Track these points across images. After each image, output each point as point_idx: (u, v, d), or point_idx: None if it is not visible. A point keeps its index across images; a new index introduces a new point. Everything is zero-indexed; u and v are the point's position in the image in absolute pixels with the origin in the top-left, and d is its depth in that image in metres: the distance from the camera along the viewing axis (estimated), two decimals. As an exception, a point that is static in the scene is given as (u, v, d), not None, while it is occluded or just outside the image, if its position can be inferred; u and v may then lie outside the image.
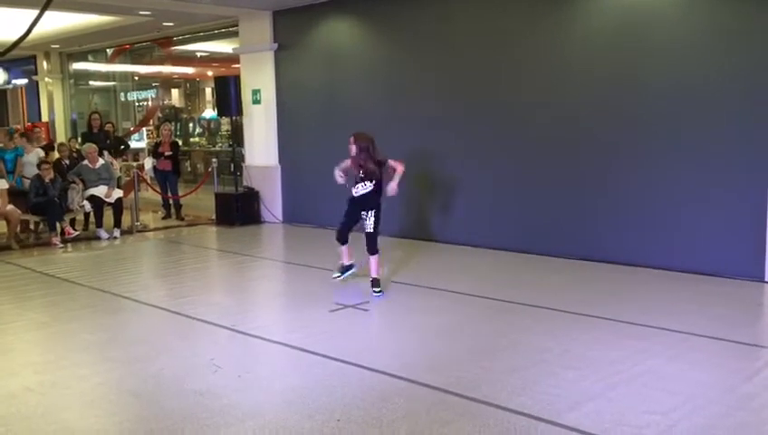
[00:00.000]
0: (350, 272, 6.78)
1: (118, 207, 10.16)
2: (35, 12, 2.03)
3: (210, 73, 15.11)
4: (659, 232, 7.29)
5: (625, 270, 7.33)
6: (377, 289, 6.51)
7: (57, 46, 15.79)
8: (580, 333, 5.33)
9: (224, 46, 13.22)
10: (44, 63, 16.71)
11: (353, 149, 6.45)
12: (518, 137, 8.33)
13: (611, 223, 7.63)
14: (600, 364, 4.62)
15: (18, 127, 15.52)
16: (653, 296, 6.39)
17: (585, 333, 5.30)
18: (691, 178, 7.05)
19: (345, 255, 6.74)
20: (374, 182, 6.46)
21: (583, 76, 7.71)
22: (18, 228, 9.70)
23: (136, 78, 16.36)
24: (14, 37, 2.37)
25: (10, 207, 9.39)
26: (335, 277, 6.80)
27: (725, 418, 3.81)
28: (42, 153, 10.53)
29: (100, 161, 10.35)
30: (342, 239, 6.65)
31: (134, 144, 15.27)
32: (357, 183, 6.49)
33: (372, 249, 6.53)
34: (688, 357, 4.77)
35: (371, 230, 6.51)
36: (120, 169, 12.03)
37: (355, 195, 6.53)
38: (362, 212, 6.52)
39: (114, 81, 16.64)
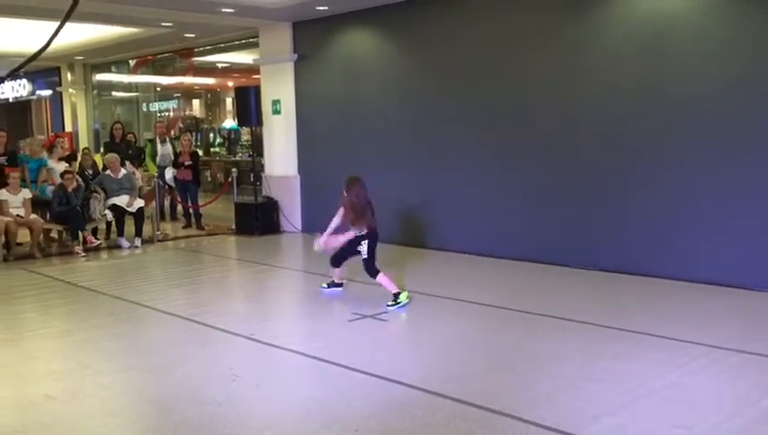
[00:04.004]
0: (337, 289, 7.06)
1: (139, 216, 10.26)
2: (57, 23, 2.06)
3: (231, 84, 15.22)
4: (682, 243, 7.20)
5: (647, 281, 7.24)
6: (393, 303, 6.43)
7: (81, 58, 16.02)
8: (602, 344, 5.27)
9: (244, 57, 13.33)
10: (68, 75, 16.95)
11: (349, 195, 6.54)
12: (538, 146, 8.28)
13: (633, 233, 7.54)
14: (622, 377, 4.56)
15: (42, 138, 15.74)
16: (676, 308, 6.31)
17: (607, 345, 5.24)
18: (716, 188, 6.95)
19: (337, 274, 7.04)
20: (365, 227, 6.55)
21: (606, 85, 7.65)
22: (41, 237, 9.82)
23: (158, 89, 16.54)
24: (36, 49, 2.40)
25: (33, 216, 9.52)
26: (322, 286, 7.15)
27: (749, 431, 3.75)
28: (62, 167, 10.64)
29: (123, 171, 10.47)
30: (336, 265, 6.92)
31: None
32: (353, 225, 6.58)
33: (371, 273, 6.60)
34: (711, 370, 4.70)
35: (365, 256, 6.57)
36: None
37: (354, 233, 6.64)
38: (356, 245, 6.62)
39: (137, 91, 16.84)
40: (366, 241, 6.57)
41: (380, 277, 6.58)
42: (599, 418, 3.93)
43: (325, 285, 7.13)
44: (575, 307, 6.30)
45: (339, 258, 6.87)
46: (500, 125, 8.64)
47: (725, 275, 6.89)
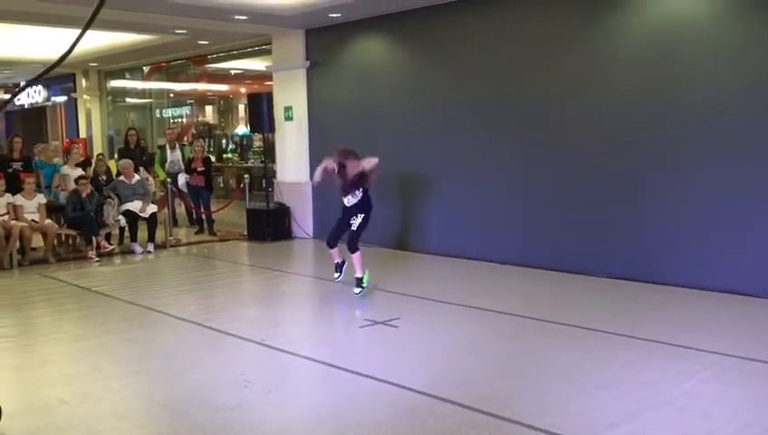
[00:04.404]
0: (343, 268, 7.33)
1: (152, 221, 10.31)
2: (76, 31, 2.07)
3: (243, 90, 15.31)
4: (697, 250, 7.14)
5: (660, 289, 7.18)
6: (358, 289, 6.96)
7: (95, 64, 16.16)
8: (614, 352, 5.23)
9: (257, 64, 13.40)
10: (83, 81, 17.11)
11: (335, 165, 6.91)
12: (551, 152, 8.25)
13: (647, 239, 7.49)
14: (635, 385, 4.53)
15: (57, 143, 15.89)
16: (690, 316, 6.25)
17: (619, 353, 5.20)
18: (731, 194, 6.89)
19: (335, 255, 7.27)
20: (361, 190, 6.93)
21: (620, 90, 7.62)
22: (55, 242, 9.90)
23: (171, 95, 16.66)
24: (55, 56, 2.42)
25: (47, 221, 9.59)
26: (336, 278, 7.36)
27: (765, 442, 3.72)
28: (77, 173, 10.73)
29: (136, 177, 10.54)
30: (331, 244, 7.17)
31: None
32: (346, 195, 6.98)
33: (352, 247, 6.93)
34: (726, 379, 4.65)
35: (355, 229, 6.96)
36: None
37: (347, 205, 7.03)
38: (352, 217, 6.99)
39: (150, 98, 16.97)
40: (362, 215, 6.92)
41: (356, 256, 6.92)
42: (611, 426, 3.90)
43: (336, 275, 7.33)
44: (586, 315, 6.26)
45: (334, 236, 7.13)
46: (514, 130, 8.60)
47: (741, 282, 6.81)
